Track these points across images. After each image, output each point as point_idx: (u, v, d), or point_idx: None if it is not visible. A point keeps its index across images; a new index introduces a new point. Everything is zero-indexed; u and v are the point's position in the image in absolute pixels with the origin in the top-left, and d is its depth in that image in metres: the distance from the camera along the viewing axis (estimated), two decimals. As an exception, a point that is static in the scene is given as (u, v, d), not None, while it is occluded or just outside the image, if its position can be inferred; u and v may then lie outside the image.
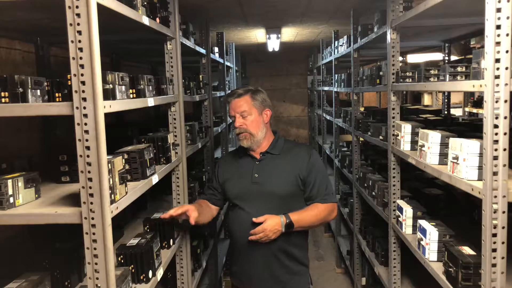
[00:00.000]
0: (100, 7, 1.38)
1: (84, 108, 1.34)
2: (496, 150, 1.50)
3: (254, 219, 2.15)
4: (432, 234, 2.12)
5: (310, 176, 2.26)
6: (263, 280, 2.25)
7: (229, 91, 2.43)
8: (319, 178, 2.28)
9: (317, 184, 2.27)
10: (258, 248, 2.20)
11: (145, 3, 2.02)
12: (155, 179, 2.02)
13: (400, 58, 2.80)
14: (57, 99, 1.54)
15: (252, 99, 2.26)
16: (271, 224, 2.13)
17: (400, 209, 2.57)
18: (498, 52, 1.46)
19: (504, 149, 1.49)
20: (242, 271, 2.31)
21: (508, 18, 1.44)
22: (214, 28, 4.89)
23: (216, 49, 4.72)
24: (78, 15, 1.31)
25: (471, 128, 3.03)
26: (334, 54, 5.24)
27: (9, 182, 1.55)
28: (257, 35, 5.79)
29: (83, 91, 1.33)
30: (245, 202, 2.26)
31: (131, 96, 1.84)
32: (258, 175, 2.26)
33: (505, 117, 1.48)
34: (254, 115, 2.25)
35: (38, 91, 1.53)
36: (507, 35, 1.44)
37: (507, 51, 1.45)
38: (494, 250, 1.53)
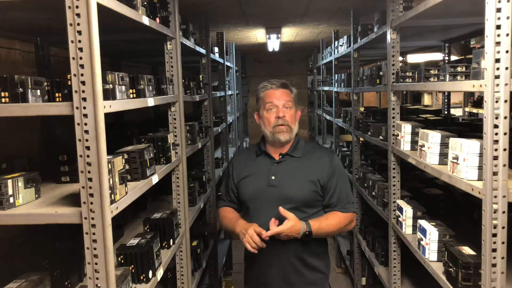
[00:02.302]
0: (100, 7, 1.38)
1: (84, 108, 1.34)
2: (496, 150, 1.50)
3: (280, 210, 1.98)
4: (432, 234, 2.12)
5: (330, 182, 2.12)
6: (278, 287, 2.13)
7: (263, 83, 2.19)
8: (340, 185, 2.14)
9: (337, 191, 2.13)
10: (273, 254, 2.08)
11: (145, 3, 2.02)
12: (155, 179, 2.02)
13: (400, 58, 2.80)
14: (57, 99, 1.54)
15: (292, 93, 2.18)
16: (290, 230, 1.97)
17: (400, 209, 2.57)
18: (498, 52, 1.46)
19: (504, 149, 1.49)
20: (257, 276, 2.19)
21: (508, 18, 1.44)
22: (214, 28, 4.89)
23: (216, 49, 4.73)
24: (78, 15, 1.31)
25: (471, 128, 3.03)
26: (334, 54, 5.24)
27: (9, 182, 1.55)
28: (257, 35, 5.79)
29: (83, 91, 1.33)
30: (259, 204, 2.12)
31: (131, 96, 1.84)
32: (275, 177, 2.11)
33: (505, 117, 1.48)
34: (293, 109, 2.15)
35: (38, 91, 1.53)
36: (507, 35, 1.44)
37: (507, 51, 1.45)
38: (494, 250, 1.53)
